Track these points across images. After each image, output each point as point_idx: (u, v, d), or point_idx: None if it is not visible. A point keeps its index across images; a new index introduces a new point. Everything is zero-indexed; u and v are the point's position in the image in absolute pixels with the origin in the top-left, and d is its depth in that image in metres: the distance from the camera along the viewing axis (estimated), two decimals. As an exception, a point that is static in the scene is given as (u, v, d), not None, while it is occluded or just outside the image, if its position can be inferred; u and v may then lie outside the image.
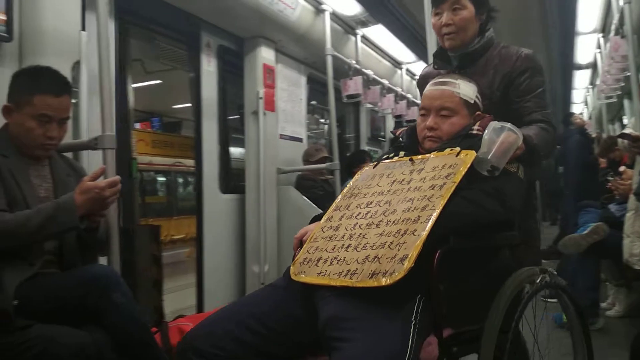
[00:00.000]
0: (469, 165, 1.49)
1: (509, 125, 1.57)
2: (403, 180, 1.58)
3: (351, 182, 1.72)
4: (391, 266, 1.27)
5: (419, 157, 1.65)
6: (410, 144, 1.81)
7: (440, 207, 1.38)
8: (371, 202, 1.54)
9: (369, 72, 4.87)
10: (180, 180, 10.56)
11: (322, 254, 1.44)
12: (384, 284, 1.25)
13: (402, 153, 1.75)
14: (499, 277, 1.53)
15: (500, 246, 1.63)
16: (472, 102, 1.74)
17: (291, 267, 1.47)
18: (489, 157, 1.50)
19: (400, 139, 1.86)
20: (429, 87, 1.79)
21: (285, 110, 4.38)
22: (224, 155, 3.89)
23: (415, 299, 1.32)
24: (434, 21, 1.94)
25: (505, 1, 2.26)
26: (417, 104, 5.49)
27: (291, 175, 4.24)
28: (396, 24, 5.05)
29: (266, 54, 3.98)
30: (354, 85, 4.58)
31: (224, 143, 3.89)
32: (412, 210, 1.41)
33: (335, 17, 4.31)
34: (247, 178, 3.92)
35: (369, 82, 4.90)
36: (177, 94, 8.25)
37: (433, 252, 1.31)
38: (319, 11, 4.10)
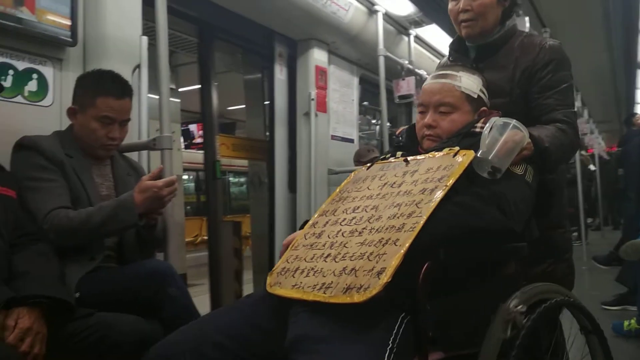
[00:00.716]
0: (465, 166, 1.34)
1: (514, 121, 1.42)
2: (394, 183, 1.44)
3: (342, 185, 1.59)
4: (367, 280, 1.13)
5: (415, 157, 1.50)
6: (409, 143, 1.66)
7: (428, 214, 1.23)
8: (358, 207, 1.42)
9: (422, 72, 4.82)
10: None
11: (300, 264, 1.33)
12: (356, 300, 1.12)
13: (399, 154, 1.59)
14: (500, 295, 1.33)
15: (502, 259, 1.45)
16: (476, 96, 1.58)
17: (268, 278, 1.37)
18: (489, 158, 1.35)
19: (400, 139, 1.72)
20: (428, 81, 1.64)
21: (337, 111, 4.39)
22: (292, 156, 4.11)
23: (397, 319, 1.15)
24: (450, 6, 1.77)
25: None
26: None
27: (342, 175, 4.25)
28: (450, 23, 4.97)
29: (318, 56, 4.02)
30: (406, 86, 4.54)
31: (292, 145, 4.12)
32: (398, 217, 1.27)
33: (388, 17, 4.29)
34: (298, 178, 4.00)
35: (421, 82, 4.84)
36: (231, 96, 8.41)
37: (420, 265, 1.15)
38: (372, 12, 4.09)
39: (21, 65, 2.09)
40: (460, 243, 1.26)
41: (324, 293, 1.19)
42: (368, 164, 1.61)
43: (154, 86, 2.26)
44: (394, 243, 1.19)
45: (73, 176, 1.83)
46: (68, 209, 1.75)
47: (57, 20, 2.16)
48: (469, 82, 1.58)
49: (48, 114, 2.16)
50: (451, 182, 1.30)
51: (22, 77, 2.09)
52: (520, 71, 1.68)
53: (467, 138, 1.47)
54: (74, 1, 2.22)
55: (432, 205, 1.25)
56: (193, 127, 11.33)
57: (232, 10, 3.35)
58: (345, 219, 1.40)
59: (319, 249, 1.33)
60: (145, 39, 2.43)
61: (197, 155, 7.28)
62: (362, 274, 1.16)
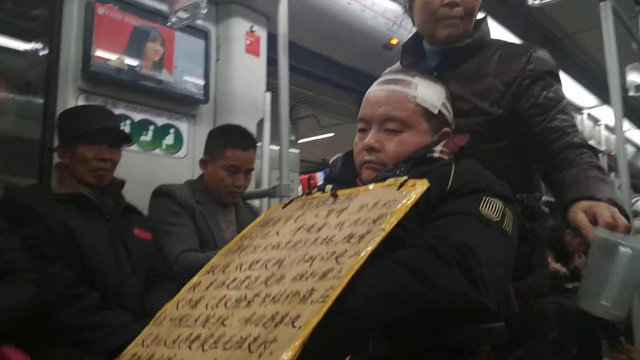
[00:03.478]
0: (413, 201, 0.94)
1: (620, 239, 0.98)
2: (313, 226, 1.02)
3: (246, 229, 1.21)
4: None
5: (347, 191, 1.11)
6: (345, 175, 1.25)
7: (349, 275, 0.81)
8: (257, 262, 1.01)
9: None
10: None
11: (157, 350, 0.95)
12: None
13: (329, 187, 1.19)
14: None
15: (468, 347, 1.00)
16: (436, 112, 1.18)
17: None
18: (608, 305, 0.96)
19: (333, 169, 1.31)
20: (372, 88, 1.24)
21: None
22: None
23: None
24: None
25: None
26: (601, 151, 5.06)
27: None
28: (574, 67, 4.77)
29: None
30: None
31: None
32: (307, 278, 0.86)
33: None
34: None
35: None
36: (346, 145, 8.60)
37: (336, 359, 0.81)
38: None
39: (160, 121, 2.33)
40: (403, 325, 0.86)
41: None
42: (285, 202, 1.23)
43: (275, 138, 2.41)
44: (292, 323, 0.78)
45: (201, 221, 1.98)
46: (196, 251, 1.88)
47: (192, 80, 2.39)
48: (427, 93, 1.18)
49: (182, 164, 2.37)
50: (391, 224, 0.89)
51: (161, 132, 2.33)
52: (504, 84, 1.32)
53: (420, 166, 1.09)
54: (207, 63, 2.45)
55: (359, 260, 0.84)
56: (320, 175, 11.59)
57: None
58: (235, 279, 1.00)
59: (187, 327, 0.95)
60: (268, 95, 2.60)
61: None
62: None
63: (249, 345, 0.78)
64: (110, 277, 1.64)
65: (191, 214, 1.97)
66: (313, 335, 0.73)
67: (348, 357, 0.81)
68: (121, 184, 1.85)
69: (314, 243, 0.96)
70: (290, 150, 2.67)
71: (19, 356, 1.30)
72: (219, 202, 2.10)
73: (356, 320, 0.82)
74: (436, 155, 1.11)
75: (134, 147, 2.18)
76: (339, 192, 1.10)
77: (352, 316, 0.81)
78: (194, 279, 1.10)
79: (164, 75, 2.30)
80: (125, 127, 2.18)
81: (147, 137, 2.28)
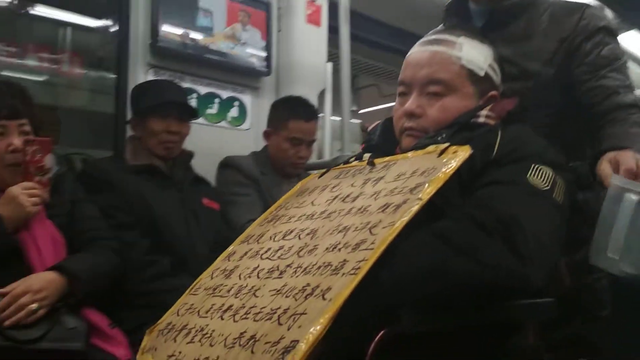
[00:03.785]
0: (454, 169, 0.87)
1: None
2: (349, 195, 0.98)
3: (282, 198, 1.18)
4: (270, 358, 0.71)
5: (385, 159, 1.05)
6: (383, 142, 1.18)
7: (383, 247, 0.77)
8: (291, 232, 0.98)
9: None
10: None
11: (190, 319, 0.94)
12: None
13: (366, 156, 1.12)
14: None
15: (513, 325, 0.95)
16: (482, 74, 1.09)
17: (145, 337, 1.01)
18: (616, 258, 0.89)
19: (371, 137, 1.24)
20: (413, 49, 1.15)
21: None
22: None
23: None
24: None
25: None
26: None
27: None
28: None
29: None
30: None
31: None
32: (339, 249, 0.83)
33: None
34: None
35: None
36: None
37: (367, 334, 0.76)
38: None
39: (225, 94, 2.39)
40: (439, 300, 0.81)
41: None
42: (323, 170, 1.19)
43: (337, 108, 2.42)
44: (322, 295, 0.75)
45: (265, 192, 2.03)
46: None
47: (254, 53, 2.42)
48: (473, 53, 1.09)
49: (246, 136, 2.43)
50: (429, 194, 0.83)
51: (226, 105, 2.39)
52: (554, 44, 1.22)
53: (464, 132, 1.02)
54: (268, 35, 2.47)
55: (393, 231, 0.79)
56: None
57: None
58: (269, 249, 0.97)
59: (221, 296, 0.93)
60: (329, 65, 2.60)
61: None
62: (261, 349, 0.73)
63: (279, 317, 0.76)
64: (181, 244, 1.72)
65: (256, 184, 2.02)
66: (344, 308, 0.70)
67: (382, 332, 0.76)
68: (190, 155, 1.92)
69: (349, 213, 0.92)
70: (351, 121, 2.67)
71: (101, 318, 1.40)
72: (282, 173, 2.14)
73: (390, 294, 0.79)
74: (481, 120, 1.03)
75: (201, 119, 2.24)
76: (377, 161, 1.05)
77: (386, 290, 0.78)
78: (230, 248, 1.09)
79: (228, 48, 2.34)
80: (192, 101, 2.25)
81: (213, 110, 2.35)
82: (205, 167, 2.03)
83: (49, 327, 1.26)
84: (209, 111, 2.34)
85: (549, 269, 0.87)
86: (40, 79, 2.47)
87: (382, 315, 0.77)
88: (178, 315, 0.99)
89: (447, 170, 0.86)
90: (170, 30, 2.17)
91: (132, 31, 2.15)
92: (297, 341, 0.68)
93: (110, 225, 1.59)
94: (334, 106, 2.56)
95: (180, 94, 1.90)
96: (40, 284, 1.27)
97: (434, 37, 1.13)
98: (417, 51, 1.13)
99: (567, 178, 0.96)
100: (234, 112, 2.42)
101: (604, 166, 1.00)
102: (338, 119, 2.48)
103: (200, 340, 0.86)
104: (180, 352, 0.87)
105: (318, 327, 0.69)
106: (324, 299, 0.73)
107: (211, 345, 0.82)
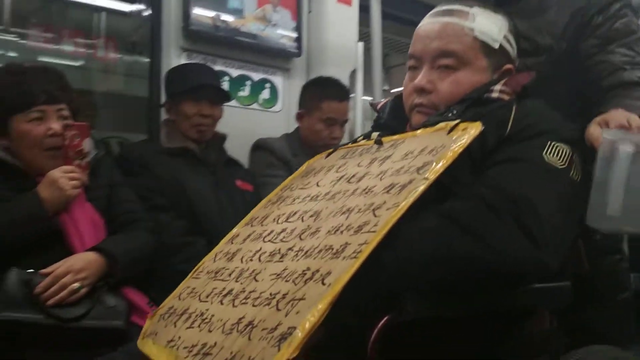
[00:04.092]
0: (463, 147, 0.82)
1: None
2: (354, 176, 0.94)
3: (288, 179, 1.16)
4: (259, 351, 0.67)
5: (393, 137, 1.00)
6: (392, 120, 1.13)
7: (386, 228, 0.73)
8: (295, 214, 0.95)
9: None
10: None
11: (191, 304, 0.92)
12: None
13: (375, 135, 1.09)
14: None
15: (524, 311, 0.91)
16: (497, 46, 1.03)
17: (147, 321, 0.99)
18: (616, 216, 0.83)
19: (380, 114, 1.19)
20: (424, 21, 1.08)
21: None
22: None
23: None
24: None
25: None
26: None
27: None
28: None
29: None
30: None
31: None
32: (342, 232, 0.79)
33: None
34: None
35: None
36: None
37: (369, 320, 0.73)
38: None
39: (256, 76, 2.39)
40: (445, 286, 0.78)
41: None
42: (329, 150, 1.16)
43: (368, 88, 2.40)
44: (322, 280, 0.71)
45: (297, 174, 2.04)
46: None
47: (285, 34, 2.41)
48: (487, 24, 1.02)
49: (278, 118, 2.43)
50: (436, 173, 0.78)
51: (257, 87, 2.40)
52: (568, 15, 1.17)
53: (476, 107, 0.96)
54: (299, 16, 2.45)
55: (396, 212, 0.74)
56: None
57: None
58: (272, 231, 0.94)
59: (222, 280, 0.91)
60: (361, 44, 2.57)
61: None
62: (258, 335, 0.70)
63: (277, 303, 0.73)
64: (215, 226, 1.74)
65: (288, 166, 2.03)
66: (344, 293, 0.67)
67: (386, 318, 0.72)
68: (223, 138, 1.94)
69: (353, 194, 0.88)
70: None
71: (140, 297, 1.44)
72: (314, 154, 2.13)
73: (393, 279, 0.74)
74: (495, 95, 0.98)
75: (233, 102, 2.25)
76: (385, 139, 1.01)
77: (389, 274, 0.74)
78: (234, 231, 1.08)
79: (258, 30, 2.34)
80: (224, 83, 2.26)
81: (245, 92, 2.35)
82: (238, 149, 2.04)
83: (91, 305, 1.30)
84: (241, 94, 2.35)
85: (565, 253, 0.83)
86: (76, 64, 2.52)
87: (384, 301, 0.73)
88: (180, 299, 0.97)
89: (456, 148, 0.81)
90: (201, 13, 2.18)
91: (165, 15, 2.17)
92: (294, 328, 0.65)
93: (146, 207, 1.62)
94: (365, 86, 2.55)
95: (213, 77, 1.92)
96: (81, 264, 1.31)
97: (445, 7, 1.07)
98: (428, 23, 1.07)
99: (585, 156, 0.91)
100: (265, 94, 2.42)
101: (593, 129, 0.93)
102: (369, 99, 2.46)
103: (199, 326, 0.83)
104: (179, 338, 0.85)
105: (316, 314, 0.65)
106: (323, 283, 0.70)
107: (210, 331, 0.80)
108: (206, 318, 0.83)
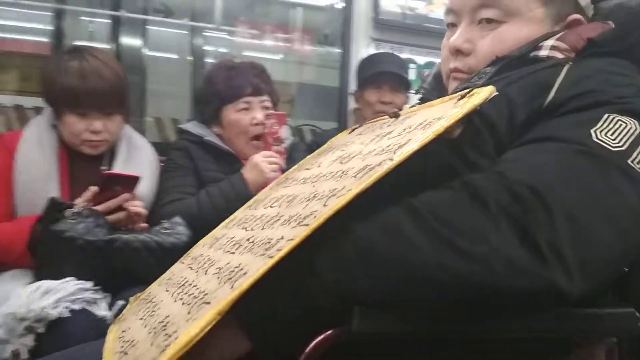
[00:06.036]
0: (456, 118, 0.57)
1: None
2: (349, 155, 0.76)
3: (307, 157, 0.96)
4: (153, 356, 0.56)
5: (412, 109, 0.77)
6: (434, 89, 0.92)
7: (316, 224, 0.53)
8: (280, 198, 0.81)
9: None
10: None
11: (159, 292, 0.82)
12: None
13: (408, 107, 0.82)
14: None
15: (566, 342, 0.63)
16: None
17: (130, 301, 0.86)
18: None
19: (423, 84, 0.97)
20: None
21: None
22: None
23: None
24: None
25: None
26: None
27: None
28: None
29: None
30: None
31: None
32: (289, 223, 0.63)
33: None
34: None
35: None
36: None
37: (303, 337, 0.54)
38: None
39: (421, 59, 2.37)
40: (403, 303, 0.54)
41: None
42: (356, 125, 0.93)
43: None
44: (234, 282, 0.57)
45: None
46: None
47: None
48: None
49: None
50: (405, 154, 0.55)
51: (422, 70, 2.38)
52: None
53: (519, 68, 0.71)
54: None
55: (336, 205, 0.54)
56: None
57: None
58: (254, 217, 0.81)
59: (191, 268, 0.80)
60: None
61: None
62: (160, 338, 0.58)
63: (197, 301, 0.61)
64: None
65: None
66: (267, 301, 0.54)
67: (327, 333, 0.54)
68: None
69: (332, 177, 0.70)
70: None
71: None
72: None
73: (327, 291, 0.52)
74: (543, 53, 0.72)
75: (420, 89, 2.27)
76: (403, 112, 0.79)
77: (323, 283, 0.52)
78: (236, 213, 0.95)
79: (424, 13, 2.31)
80: (412, 71, 2.28)
81: (410, 76, 2.34)
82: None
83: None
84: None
85: (603, 272, 0.54)
86: (276, 57, 2.75)
87: (328, 314, 0.53)
88: (160, 285, 0.85)
89: (443, 122, 0.58)
90: (391, 2, 2.23)
91: (356, 7, 2.26)
92: (177, 334, 0.54)
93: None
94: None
95: (395, 65, 1.95)
96: None
97: None
98: None
99: None
100: (435, 78, 2.39)
101: None
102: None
103: (151, 316, 0.71)
104: (129, 329, 0.74)
105: (196, 327, 0.52)
106: (231, 287, 0.55)
107: (144, 327, 0.69)
108: (154, 311, 0.72)
